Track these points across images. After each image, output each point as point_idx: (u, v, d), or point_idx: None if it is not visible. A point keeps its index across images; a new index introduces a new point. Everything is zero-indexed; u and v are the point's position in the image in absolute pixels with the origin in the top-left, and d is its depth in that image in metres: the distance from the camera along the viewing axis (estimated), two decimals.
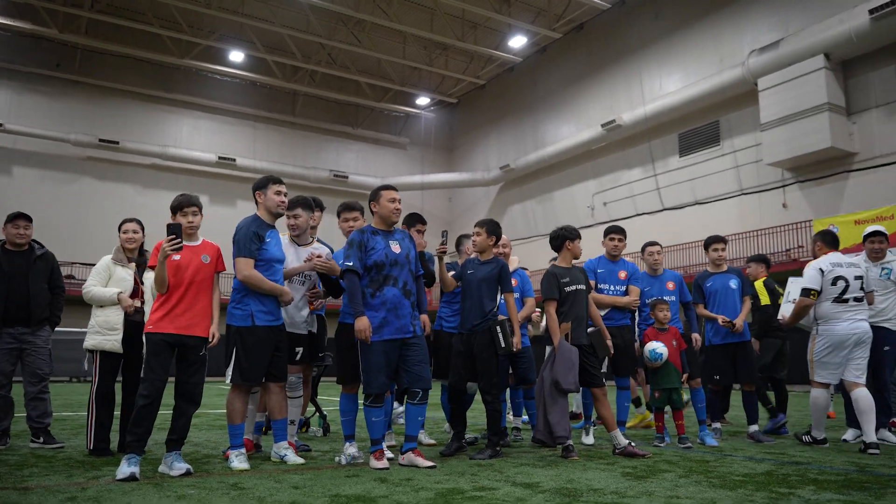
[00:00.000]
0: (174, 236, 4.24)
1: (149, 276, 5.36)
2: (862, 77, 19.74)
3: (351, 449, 4.91)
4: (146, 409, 4.14)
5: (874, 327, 6.11)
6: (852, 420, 6.11)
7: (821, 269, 5.78)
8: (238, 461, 4.41)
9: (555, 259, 5.70)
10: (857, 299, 5.68)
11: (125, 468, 3.94)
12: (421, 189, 33.23)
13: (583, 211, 27.41)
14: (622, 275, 6.14)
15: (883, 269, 6.23)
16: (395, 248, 4.78)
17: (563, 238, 5.46)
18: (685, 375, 6.08)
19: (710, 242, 6.47)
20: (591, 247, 7.31)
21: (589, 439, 5.76)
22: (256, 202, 4.87)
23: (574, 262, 5.53)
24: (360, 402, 5.09)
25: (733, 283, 6.32)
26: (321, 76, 31.74)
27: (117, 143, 28.69)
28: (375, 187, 4.99)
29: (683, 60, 24.59)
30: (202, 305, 4.40)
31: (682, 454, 5.21)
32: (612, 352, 5.40)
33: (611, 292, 6.07)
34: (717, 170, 23.25)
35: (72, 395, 13.25)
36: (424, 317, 4.91)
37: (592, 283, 6.06)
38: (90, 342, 5.12)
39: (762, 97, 20.92)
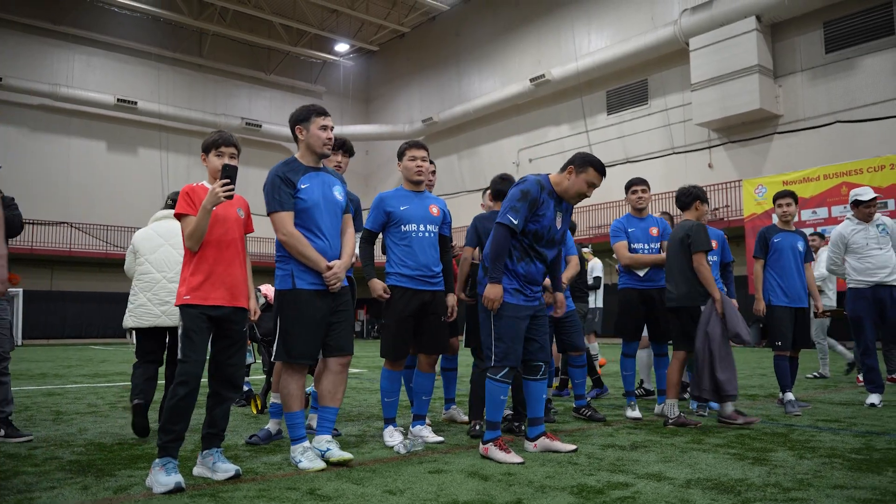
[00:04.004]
0: (228, 180, 3.32)
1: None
2: (788, 41, 20.23)
3: (397, 434, 4.24)
4: (187, 400, 3.25)
5: (889, 286, 6.03)
6: (876, 385, 6.03)
7: None
8: (307, 459, 3.54)
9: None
10: None
11: (164, 478, 3.06)
12: None
13: (509, 167, 27.09)
14: (654, 231, 5.64)
15: (878, 225, 6.18)
16: (559, 221, 4.05)
17: (694, 197, 5.18)
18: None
19: (777, 198, 6.08)
20: None
21: (635, 413, 5.33)
22: (297, 139, 3.89)
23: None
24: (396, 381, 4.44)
25: (800, 246, 5.96)
26: (232, 14, 29.48)
27: None
28: (584, 155, 4.02)
29: (615, 17, 24.44)
30: (241, 270, 3.53)
31: (754, 428, 4.87)
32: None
33: (645, 251, 5.57)
34: (644, 128, 23.44)
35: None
36: (560, 295, 4.32)
37: (624, 243, 5.57)
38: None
39: (693, 57, 21.09)
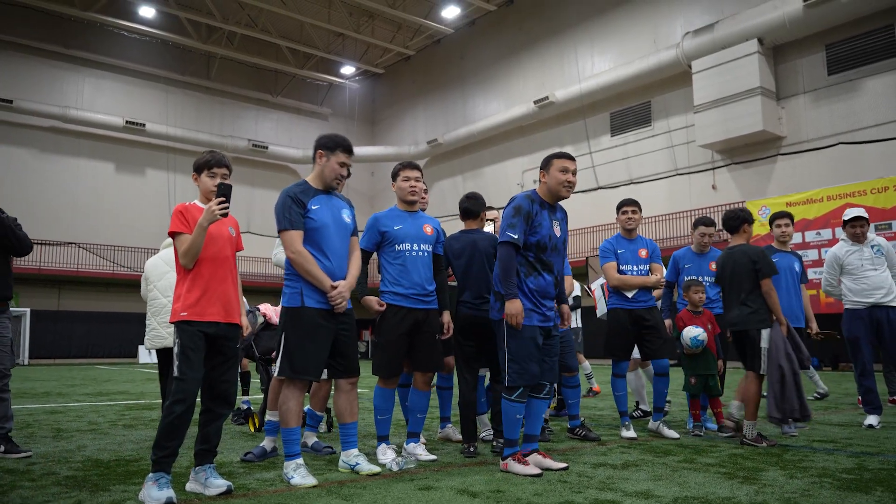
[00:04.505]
0: (224, 198, 3.43)
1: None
2: (791, 63, 20.35)
3: (389, 452, 4.27)
4: (183, 418, 3.31)
5: (886, 307, 6.05)
6: (874, 406, 6.01)
7: None
8: (299, 476, 3.59)
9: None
10: None
11: (156, 492, 3.11)
12: None
13: (513, 188, 27.21)
14: (643, 253, 5.64)
15: (872, 246, 6.20)
16: (557, 230, 4.18)
17: (742, 220, 5.28)
18: (720, 361, 5.78)
19: (774, 219, 6.14)
20: None
21: (631, 433, 5.33)
22: (315, 162, 4.03)
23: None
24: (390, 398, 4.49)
25: (797, 267, 5.98)
26: (240, 38, 29.90)
27: (10, 101, 25.97)
28: (546, 157, 4.28)
29: (618, 40, 24.67)
30: (233, 287, 3.63)
31: (742, 445, 4.88)
32: None
33: (634, 272, 5.58)
34: (648, 150, 23.55)
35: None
36: (565, 307, 4.45)
37: (613, 264, 5.61)
38: None
39: (696, 79, 21.23)
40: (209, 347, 3.49)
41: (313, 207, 3.87)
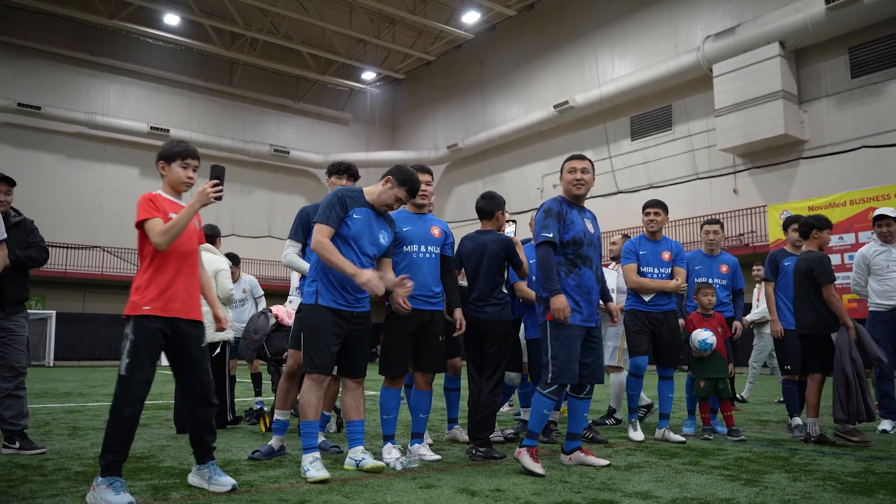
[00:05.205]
0: (217, 181, 3.34)
1: None
2: (813, 66, 20.10)
3: (395, 451, 4.30)
4: (133, 420, 3.20)
5: None
6: (889, 411, 5.93)
7: None
8: (315, 469, 3.69)
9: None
10: None
11: (113, 497, 3.00)
12: (365, 167, 32.24)
13: (533, 193, 27.21)
14: (666, 256, 5.55)
15: None
16: (590, 227, 4.31)
17: (810, 226, 5.36)
18: (730, 364, 5.75)
19: (789, 223, 6.09)
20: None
21: (638, 435, 5.32)
22: (382, 180, 4.17)
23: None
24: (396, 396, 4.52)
25: None
26: (262, 45, 30.23)
27: (38, 108, 26.49)
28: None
29: (638, 44, 24.54)
30: (196, 282, 3.52)
31: (750, 449, 4.84)
32: None
33: (655, 275, 5.52)
34: (668, 154, 23.39)
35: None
36: (612, 305, 4.59)
37: (633, 265, 5.57)
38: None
39: (717, 83, 21.05)
40: (175, 351, 3.38)
41: (354, 216, 3.99)
